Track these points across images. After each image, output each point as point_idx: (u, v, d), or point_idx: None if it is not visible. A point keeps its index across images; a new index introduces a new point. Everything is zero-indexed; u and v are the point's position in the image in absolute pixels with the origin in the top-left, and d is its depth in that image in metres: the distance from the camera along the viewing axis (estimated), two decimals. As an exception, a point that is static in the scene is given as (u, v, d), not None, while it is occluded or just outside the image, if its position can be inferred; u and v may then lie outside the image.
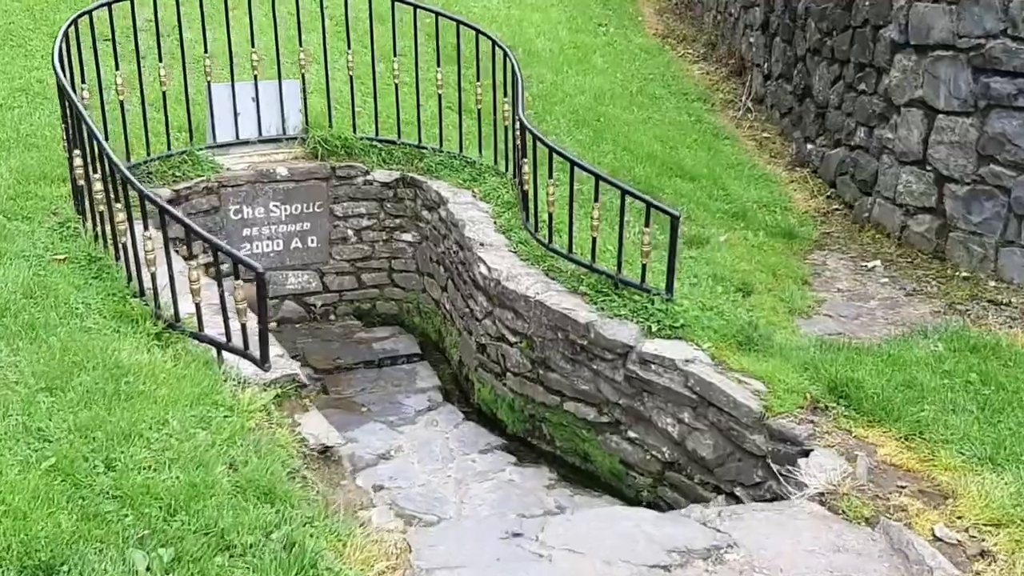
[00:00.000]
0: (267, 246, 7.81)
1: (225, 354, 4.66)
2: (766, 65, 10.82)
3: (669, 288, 5.55)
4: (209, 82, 7.63)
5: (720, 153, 9.83)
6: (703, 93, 11.56)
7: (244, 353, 4.55)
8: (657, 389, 5.19)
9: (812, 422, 4.57)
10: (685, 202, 8.13)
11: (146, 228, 4.84)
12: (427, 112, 8.16)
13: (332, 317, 8.19)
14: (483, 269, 6.23)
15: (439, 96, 7.81)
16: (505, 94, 7.38)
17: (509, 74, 7.10)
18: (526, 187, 6.41)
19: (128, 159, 7.03)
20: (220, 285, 4.69)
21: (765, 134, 10.56)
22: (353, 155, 8.06)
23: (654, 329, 5.35)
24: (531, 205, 6.46)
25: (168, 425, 3.93)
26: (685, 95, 11.38)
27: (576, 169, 5.82)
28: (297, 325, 8.00)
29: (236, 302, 4.45)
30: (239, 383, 4.47)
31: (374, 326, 8.09)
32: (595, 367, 5.54)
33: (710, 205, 8.47)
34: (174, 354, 4.63)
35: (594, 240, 5.77)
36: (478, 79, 7.55)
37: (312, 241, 7.96)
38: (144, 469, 3.59)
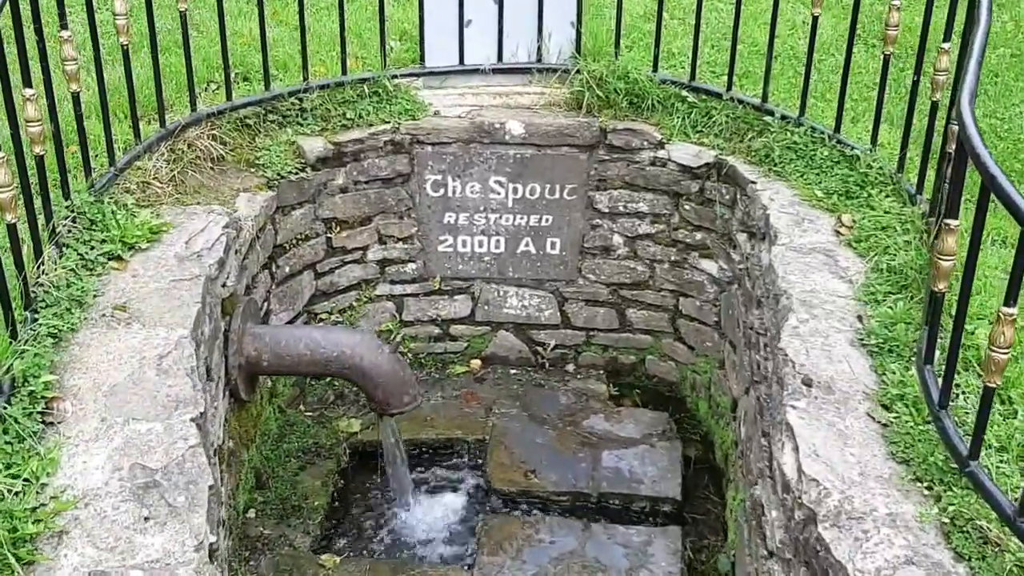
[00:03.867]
0: (479, 245, 4.83)
1: None
2: None
3: None
4: (426, -33, 4.67)
5: None
6: None
7: None
8: None
9: None
10: None
11: None
12: (783, 46, 4.46)
13: (568, 368, 5.07)
14: (786, 460, 2.70)
15: (814, 19, 4.10)
16: (946, 38, 3.53)
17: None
18: (940, 286, 2.65)
19: (267, 85, 4.37)
20: None
21: None
22: (642, 111, 4.67)
23: None
24: (944, 331, 2.73)
25: None
26: None
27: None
28: (513, 372, 5.02)
29: None
30: None
31: (623, 404, 4.85)
32: None
33: None
34: None
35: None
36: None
37: (553, 245, 4.83)
38: None
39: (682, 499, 4.13)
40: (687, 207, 4.61)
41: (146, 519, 2.33)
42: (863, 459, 2.61)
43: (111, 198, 3.59)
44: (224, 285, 3.58)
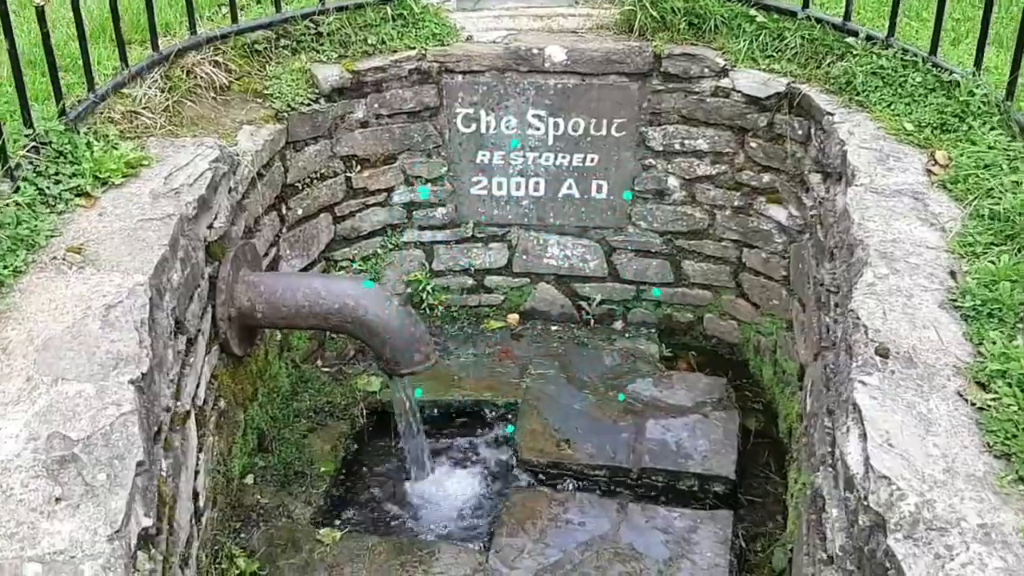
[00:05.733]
0: (516, 187, 4.33)
1: None
2: None
3: None
4: None
5: None
6: None
7: None
8: None
9: None
10: None
11: None
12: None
13: (615, 326, 4.55)
14: (850, 450, 2.14)
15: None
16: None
17: None
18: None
19: (277, 6, 3.92)
20: None
21: None
22: (703, 33, 4.07)
23: None
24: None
25: None
26: None
27: None
28: (554, 328, 4.53)
29: None
30: None
31: (676, 367, 4.31)
32: None
33: None
34: None
35: None
36: None
37: (599, 188, 4.29)
38: None
39: (737, 478, 3.60)
40: (753, 144, 4.01)
41: (57, 500, 1.95)
42: (950, 452, 2.05)
43: (89, 128, 3.20)
44: (211, 227, 3.17)
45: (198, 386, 2.99)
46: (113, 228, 2.78)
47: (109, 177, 3.02)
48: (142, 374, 2.27)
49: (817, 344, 3.29)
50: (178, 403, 2.75)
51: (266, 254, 3.76)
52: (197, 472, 2.91)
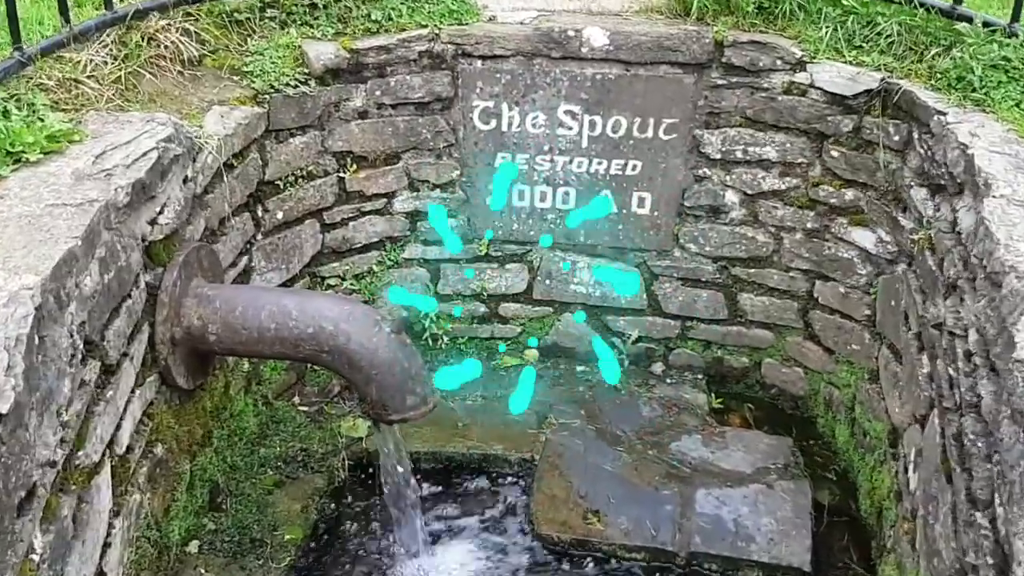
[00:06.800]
0: (542, 198, 3.62)
1: None
2: None
3: None
4: None
5: None
6: None
7: None
8: None
9: None
10: None
11: None
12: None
13: (655, 369, 3.81)
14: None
15: None
16: None
17: None
18: None
19: (264, -29, 3.26)
20: None
21: None
22: (775, 18, 3.38)
23: None
24: None
25: None
26: None
27: None
28: (580, 369, 3.79)
29: None
30: None
31: (728, 422, 3.56)
32: None
33: None
34: None
35: None
36: None
37: (642, 202, 3.58)
38: None
39: (812, 570, 2.83)
40: (834, 153, 3.29)
41: None
42: None
43: (11, 94, 2.53)
44: (154, 222, 2.47)
45: (118, 428, 2.27)
46: (11, 214, 2.08)
47: (23, 152, 2.34)
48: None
49: (929, 402, 2.54)
50: (79, 453, 2.02)
51: (233, 264, 3.06)
52: (108, 545, 2.18)
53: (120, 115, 2.69)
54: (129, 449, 2.35)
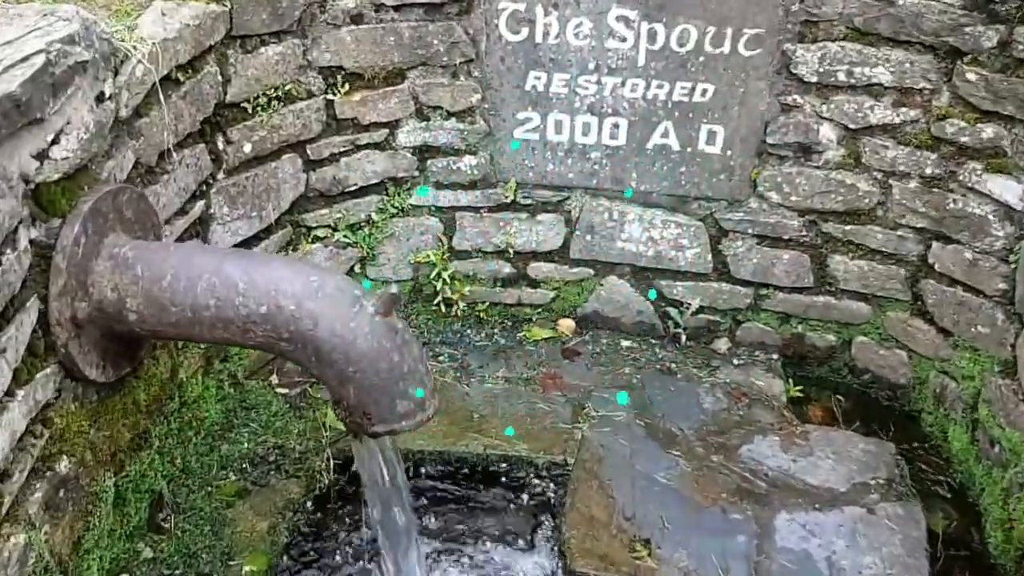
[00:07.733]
0: (584, 131, 2.86)
1: None
2: None
3: None
4: None
5: None
6: None
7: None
8: None
9: None
10: None
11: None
12: None
13: (719, 347, 3.09)
14: None
15: None
16: None
17: None
18: None
19: None
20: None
21: None
22: None
23: None
24: None
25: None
26: None
27: None
28: (626, 344, 3.08)
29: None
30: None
31: (808, 415, 2.84)
32: None
33: None
34: None
35: None
36: None
37: (711, 137, 2.81)
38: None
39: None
40: (971, 76, 2.49)
41: None
42: None
43: None
44: (44, 155, 1.77)
45: (-19, 450, 1.60)
46: None
47: None
48: None
49: None
50: None
51: (182, 211, 2.36)
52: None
53: (13, 7, 1.97)
54: (5, 475, 1.69)
